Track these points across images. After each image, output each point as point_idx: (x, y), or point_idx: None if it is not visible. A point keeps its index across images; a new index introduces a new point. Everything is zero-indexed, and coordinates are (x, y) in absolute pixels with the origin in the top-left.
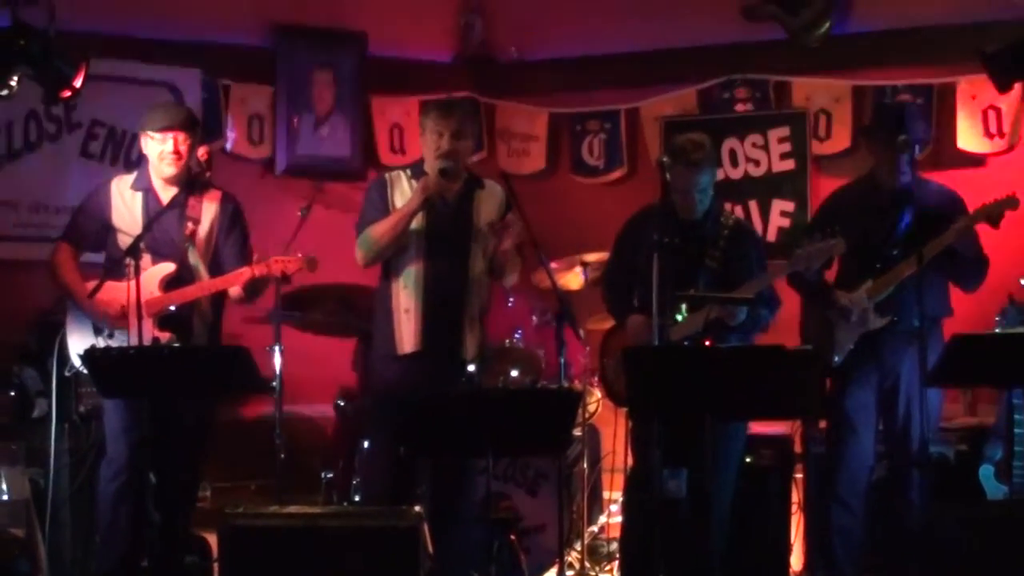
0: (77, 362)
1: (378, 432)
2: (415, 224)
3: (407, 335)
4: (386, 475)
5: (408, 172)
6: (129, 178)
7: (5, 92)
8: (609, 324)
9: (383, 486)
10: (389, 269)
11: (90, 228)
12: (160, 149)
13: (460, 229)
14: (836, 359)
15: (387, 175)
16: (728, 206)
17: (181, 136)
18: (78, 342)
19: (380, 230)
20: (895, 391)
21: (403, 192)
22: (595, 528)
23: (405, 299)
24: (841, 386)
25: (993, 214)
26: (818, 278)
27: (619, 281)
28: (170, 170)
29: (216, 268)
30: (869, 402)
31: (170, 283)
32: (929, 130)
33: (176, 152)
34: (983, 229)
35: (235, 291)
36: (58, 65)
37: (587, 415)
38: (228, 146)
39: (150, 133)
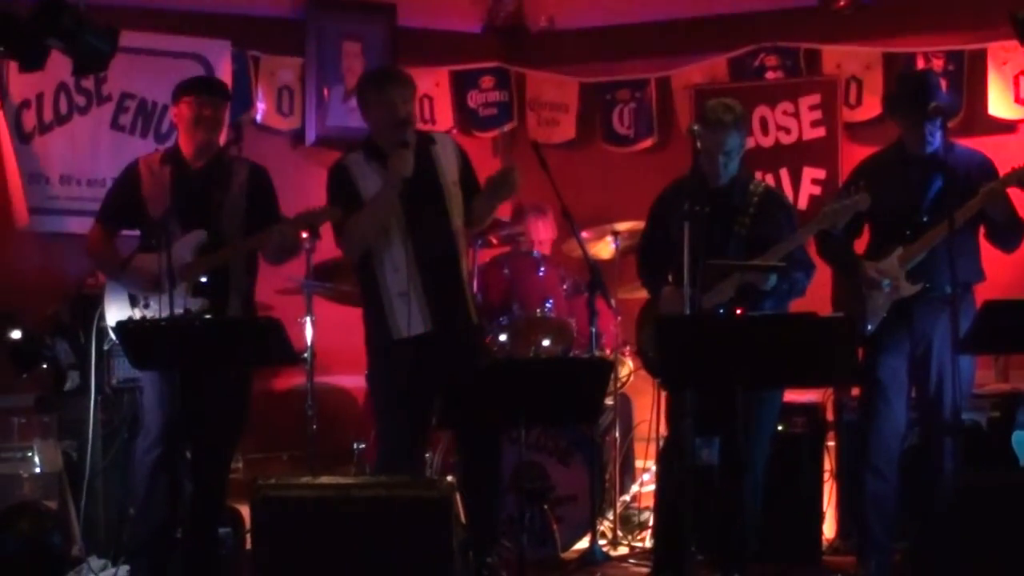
0: (114, 335)
1: (390, 413)
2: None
3: (413, 317)
4: (402, 456)
5: (362, 154)
6: (158, 153)
7: (37, 65)
8: (640, 293)
9: (398, 466)
10: (371, 255)
11: (122, 205)
12: (196, 113)
13: (431, 192)
14: (868, 327)
15: (342, 162)
16: (759, 174)
17: (217, 101)
18: (116, 315)
19: (362, 221)
20: (927, 358)
21: (364, 175)
22: (627, 497)
23: (398, 282)
24: (873, 354)
25: None
26: (846, 245)
27: (654, 254)
28: (205, 135)
29: (247, 237)
30: (901, 370)
31: (202, 250)
32: (958, 97)
33: (212, 117)
34: (1016, 196)
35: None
36: (89, 38)
37: (619, 384)
38: (258, 118)
39: (186, 99)
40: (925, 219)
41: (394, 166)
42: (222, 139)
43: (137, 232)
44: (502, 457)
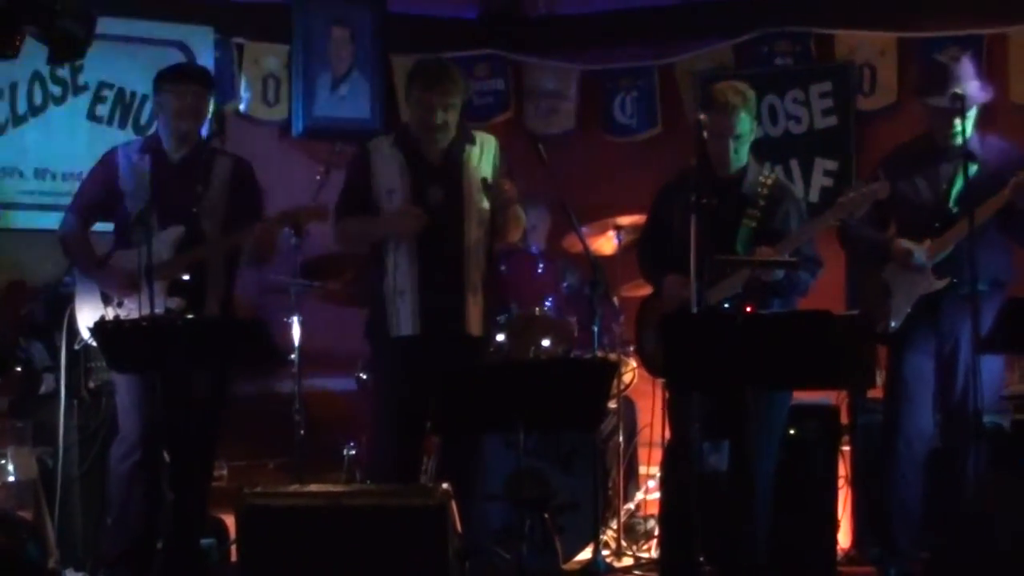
0: (87, 335)
1: (382, 414)
2: (403, 197)
3: (404, 317)
4: (392, 457)
5: (392, 137)
6: (136, 142)
7: (10, 53)
8: (645, 291)
9: (389, 468)
10: (379, 248)
11: (98, 197)
12: (178, 104)
13: (451, 194)
14: (893, 324)
15: (368, 144)
16: (768, 166)
17: (200, 91)
18: (88, 314)
19: (352, 231)
20: (954, 358)
21: (384, 159)
22: (632, 505)
23: (399, 280)
24: (898, 352)
25: None
26: (872, 228)
27: (655, 248)
28: (186, 126)
29: (228, 233)
30: (927, 369)
31: (181, 247)
32: (986, 85)
33: (194, 107)
34: None
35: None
36: (65, 25)
37: (622, 386)
38: (242, 108)
39: (168, 88)
40: (954, 212)
41: (393, 224)
42: (205, 129)
43: (110, 226)
44: (497, 463)
